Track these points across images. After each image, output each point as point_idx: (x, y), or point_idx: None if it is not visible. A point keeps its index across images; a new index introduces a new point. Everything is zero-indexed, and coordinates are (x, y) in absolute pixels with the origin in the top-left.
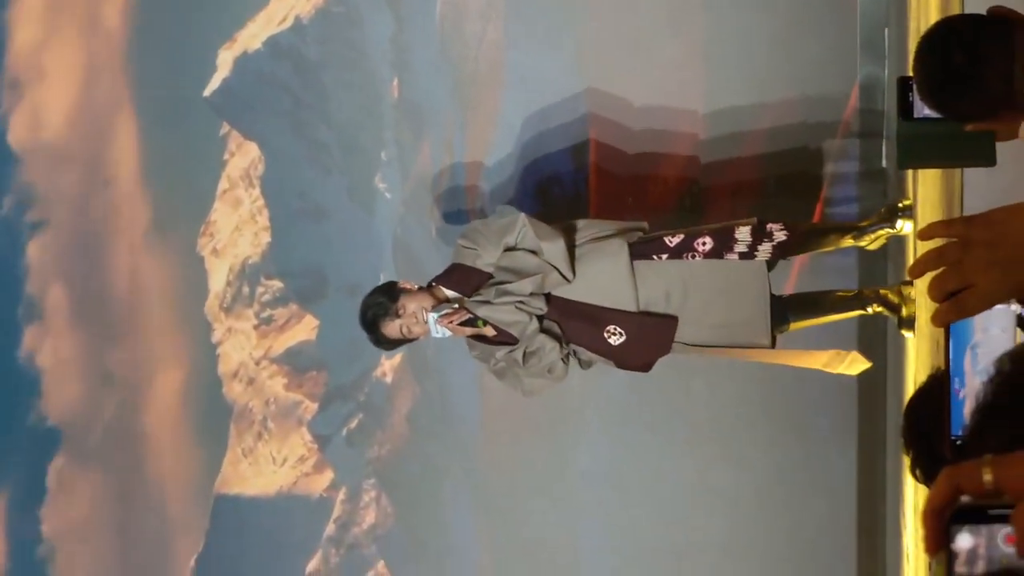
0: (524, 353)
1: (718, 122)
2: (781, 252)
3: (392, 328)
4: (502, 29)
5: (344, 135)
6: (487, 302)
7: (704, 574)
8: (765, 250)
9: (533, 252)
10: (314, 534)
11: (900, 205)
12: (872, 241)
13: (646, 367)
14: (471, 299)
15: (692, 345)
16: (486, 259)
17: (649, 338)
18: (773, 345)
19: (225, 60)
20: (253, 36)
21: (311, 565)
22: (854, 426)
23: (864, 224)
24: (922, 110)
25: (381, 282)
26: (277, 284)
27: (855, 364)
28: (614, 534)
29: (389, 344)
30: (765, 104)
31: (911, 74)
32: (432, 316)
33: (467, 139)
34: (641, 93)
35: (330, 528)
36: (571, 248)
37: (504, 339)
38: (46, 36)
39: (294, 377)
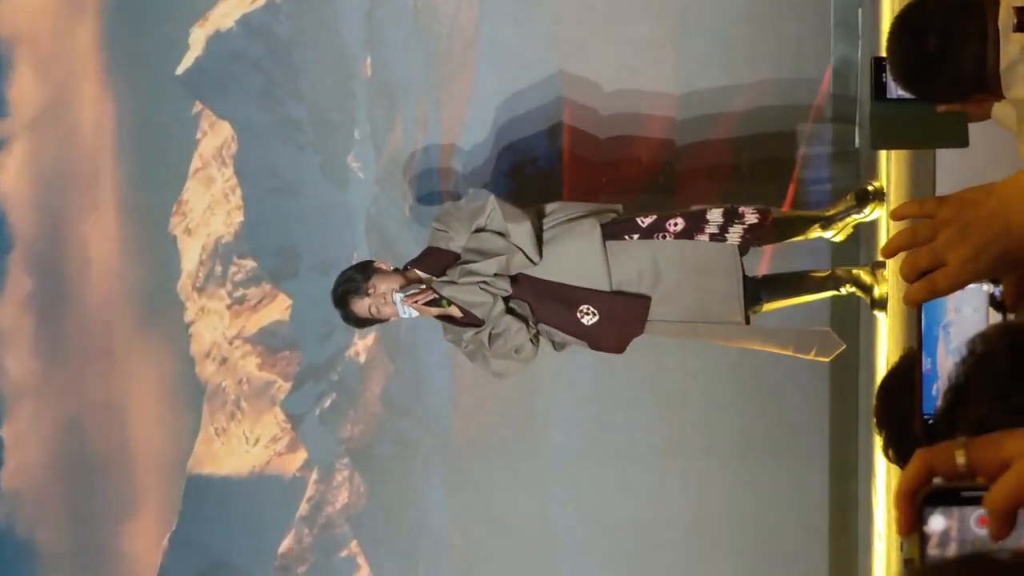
0: (490, 335)
1: (691, 103)
2: (751, 236)
3: (361, 306)
4: (476, 7)
5: (317, 113)
6: (452, 282)
7: (675, 550)
8: (736, 232)
9: (501, 234)
10: (287, 513)
11: (869, 188)
12: (839, 231)
13: (619, 349)
14: (438, 279)
15: (665, 323)
16: (458, 242)
17: (622, 318)
18: (747, 322)
19: (197, 39)
20: (225, 15)
21: (284, 544)
22: (826, 404)
23: (831, 213)
24: (895, 91)
25: (354, 261)
26: (250, 263)
27: (827, 347)
28: (586, 510)
29: (358, 322)
30: (738, 85)
31: (884, 55)
32: (398, 296)
33: (441, 117)
34: (615, 72)
35: (303, 507)
36: (539, 232)
37: (471, 320)
38: (16, 11)
39: (267, 356)
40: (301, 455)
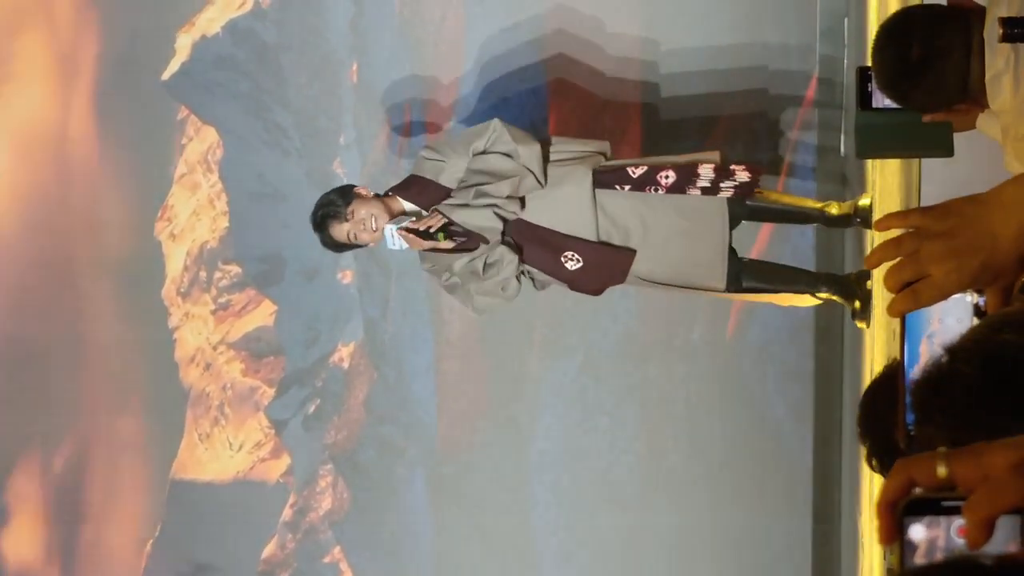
0: (484, 264)
1: (678, 113)
2: (743, 191)
3: (340, 231)
4: (462, 14)
5: (303, 119)
6: (465, 205)
7: (658, 557)
8: (727, 187)
9: (507, 155)
10: (270, 519)
11: (859, 205)
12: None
13: (597, 292)
14: (446, 203)
15: (648, 281)
16: (452, 170)
17: (605, 266)
18: (727, 290)
19: (183, 44)
20: (212, 20)
21: (267, 550)
22: (810, 412)
23: (821, 206)
24: (881, 100)
25: (338, 269)
26: (235, 269)
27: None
28: (569, 517)
29: (335, 246)
30: (724, 93)
31: (870, 64)
32: (391, 227)
33: (426, 124)
34: (601, 80)
35: (286, 513)
36: (546, 155)
37: (465, 246)
38: (3, 18)
39: (251, 362)
40: (285, 461)
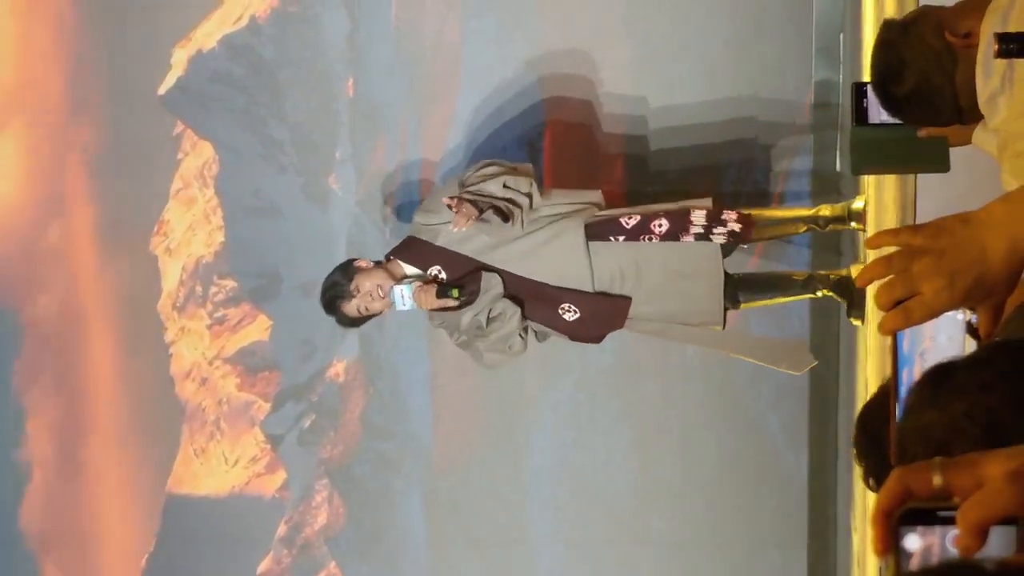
0: (487, 318)
1: (672, 127)
2: (735, 240)
3: (350, 308)
4: (457, 29)
5: (299, 134)
6: (480, 185)
7: (653, 573)
8: (720, 233)
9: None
10: (266, 534)
11: (852, 208)
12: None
13: (598, 339)
14: (468, 188)
15: (644, 321)
16: (449, 228)
17: (603, 316)
18: (724, 326)
19: (180, 59)
20: (208, 35)
21: (263, 566)
22: (805, 427)
23: (814, 212)
24: (877, 116)
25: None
26: (230, 283)
27: (799, 361)
28: (564, 533)
29: (351, 322)
30: (720, 109)
31: (866, 79)
32: (406, 288)
33: (422, 138)
34: (596, 95)
35: (282, 528)
36: (538, 207)
37: (471, 300)
38: None
39: (247, 377)
40: (280, 476)
